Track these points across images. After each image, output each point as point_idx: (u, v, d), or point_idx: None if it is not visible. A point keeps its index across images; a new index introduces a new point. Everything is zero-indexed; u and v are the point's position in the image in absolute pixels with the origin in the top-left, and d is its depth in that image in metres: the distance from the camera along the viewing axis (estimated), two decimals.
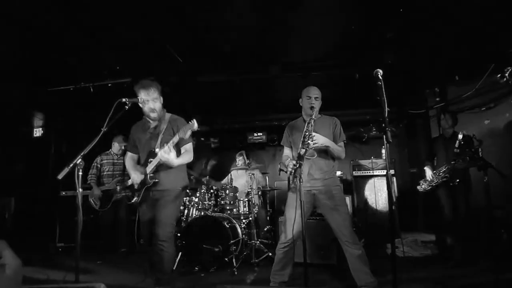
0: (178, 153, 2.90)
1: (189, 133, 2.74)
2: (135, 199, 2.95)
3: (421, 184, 4.16)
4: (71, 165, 2.34)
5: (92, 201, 4.81)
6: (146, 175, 2.90)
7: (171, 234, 2.85)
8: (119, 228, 4.99)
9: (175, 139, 2.75)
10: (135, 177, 2.94)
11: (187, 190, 4.93)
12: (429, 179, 4.06)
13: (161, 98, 2.98)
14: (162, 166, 2.87)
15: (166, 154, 2.68)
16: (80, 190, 2.32)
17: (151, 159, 2.90)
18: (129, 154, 3.20)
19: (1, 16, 3.29)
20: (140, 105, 2.92)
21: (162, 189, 2.91)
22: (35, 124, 5.99)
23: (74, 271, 2.33)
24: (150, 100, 2.88)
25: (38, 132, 5.94)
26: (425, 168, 4.19)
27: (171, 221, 2.87)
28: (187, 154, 2.94)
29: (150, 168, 2.88)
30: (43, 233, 4.90)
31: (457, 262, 3.83)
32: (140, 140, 3.07)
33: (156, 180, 2.88)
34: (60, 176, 2.33)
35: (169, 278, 2.89)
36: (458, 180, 3.86)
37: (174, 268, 3.97)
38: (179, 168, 2.96)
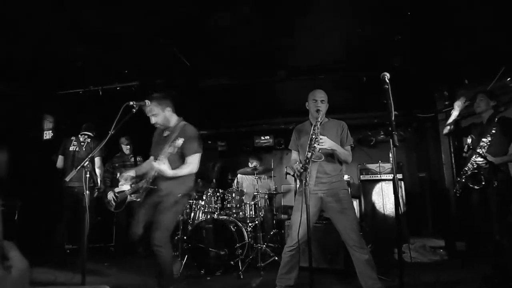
0: (182, 163, 2.97)
1: (175, 149, 2.78)
2: (138, 199, 3.09)
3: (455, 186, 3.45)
4: (78, 167, 2.37)
5: (110, 200, 4.88)
6: (147, 179, 3.03)
7: (167, 239, 2.88)
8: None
9: (168, 151, 2.79)
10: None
11: (195, 194, 4.96)
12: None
13: (167, 110, 3.08)
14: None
15: (157, 165, 2.77)
16: (87, 192, 2.35)
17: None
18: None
19: (13, 20, 3.36)
20: None
21: (162, 194, 2.97)
22: (45, 127, 6.07)
23: (81, 273, 2.36)
24: (151, 116, 3.05)
25: (48, 135, 6.01)
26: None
27: (167, 226, 2.90)
28: (188, 167, 2.97)
29: (149, 174, 3.01)
30: (51, 235, 4.94)
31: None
32: (154, 144, 3.24)
33: (154, 187, 2.98)
34: (67, 178, 2.36)
35: (170, 280, 2.94)
36: (483, 184, 3.12)
37: (180, 271, 3.99)
38: (183, 176, 3.00)
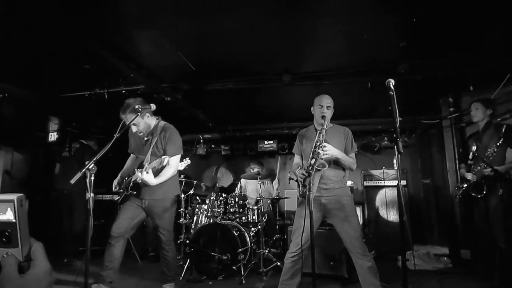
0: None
1: (160, 166, 2.87)
2: (116, 198, 3.28)
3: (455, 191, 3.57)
4: (83, 169, 2.38)
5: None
6: (129, 183, 3.09)
7: (172, 238, 3.21)
8: (147, 232, 5.13)
9: (154, 165, 2.84)
10: (115, 181, 3.25)
11: (197, 197, 4.99)
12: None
13: (146, 117, 3.06)
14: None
15: (141, 175, 2.83)
16: (92, 194, 2.35)
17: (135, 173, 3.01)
18: (131, 155, 3.46)
19: (19, 23, 3.39)
20: None
21: (155, 198, 3.08)
22: (51, 129, 6.11)
23: (84, 275, 2.36)
24: (132, 125, 2.99)
25: (53, 137, 6.04)
26: (460, 171, 3.61)
27: (170, 227, 3.19)
28: (169, 170, 3.01)
29: (132, 178, 3.05)
30: (56, 237, 4.95)
31: None
32: (134, 146, 3.34)
33: (134, 193, 3.06)
34: (72, 181, 2.37)
35: (174, 275, 3.34)
36: (484, 193, 3.18)
37: (182, 275, 3.99)
38: (171, 179, 3.09)
